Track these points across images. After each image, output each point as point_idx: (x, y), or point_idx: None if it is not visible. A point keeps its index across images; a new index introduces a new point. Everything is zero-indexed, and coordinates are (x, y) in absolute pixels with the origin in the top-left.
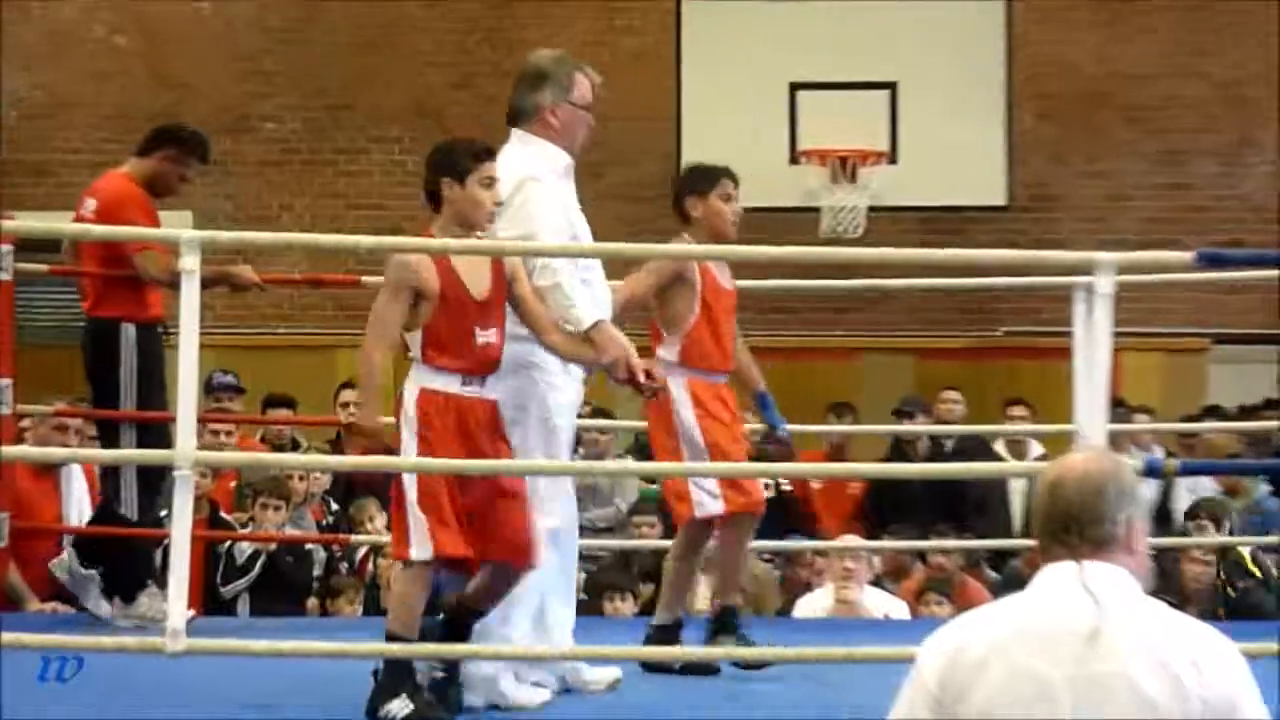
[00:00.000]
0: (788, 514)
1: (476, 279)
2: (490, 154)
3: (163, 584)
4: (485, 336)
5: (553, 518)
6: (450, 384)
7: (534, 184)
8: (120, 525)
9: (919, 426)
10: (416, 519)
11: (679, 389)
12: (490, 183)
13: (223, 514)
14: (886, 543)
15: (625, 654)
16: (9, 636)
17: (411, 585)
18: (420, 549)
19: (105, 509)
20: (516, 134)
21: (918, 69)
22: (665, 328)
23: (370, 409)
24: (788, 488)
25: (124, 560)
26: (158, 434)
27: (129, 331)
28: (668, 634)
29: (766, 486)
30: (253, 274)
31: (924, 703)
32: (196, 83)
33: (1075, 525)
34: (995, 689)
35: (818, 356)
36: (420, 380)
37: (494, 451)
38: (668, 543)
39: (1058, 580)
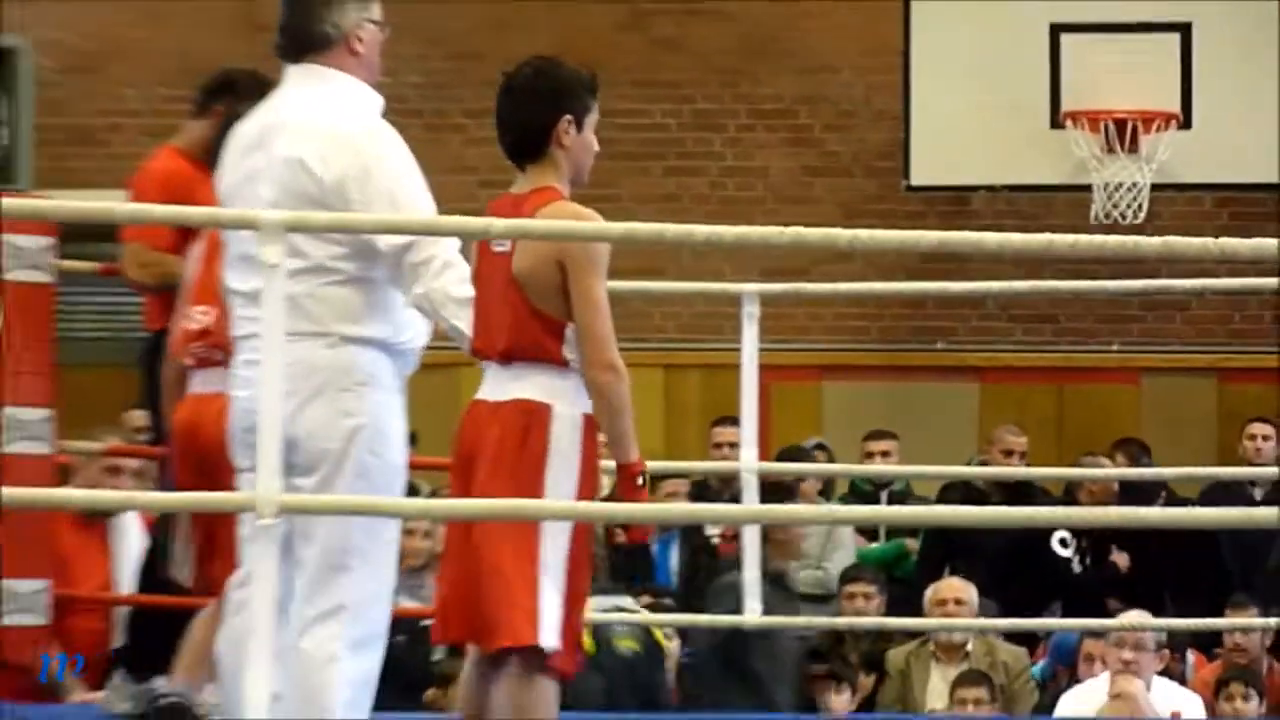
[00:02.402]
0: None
1: None
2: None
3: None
4: None
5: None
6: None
7: (390, 144)
8: (170, 593)
9: (1213, 470)
10: (549, 596)
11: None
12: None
13: None
14: (1185, 622)
15: None
16: None
17: (546, 695)
18: (549, 635)
19: (151, 572)
20: (307, 70)
21: (1218, 6)
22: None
23: (635, 444)
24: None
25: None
26: None
27: None
28: None
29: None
30: None
31: None
32: None
33: None
34: None
35: (1085, 378)
36: (578, 399)
37: None
38: (892, 621)
39: None
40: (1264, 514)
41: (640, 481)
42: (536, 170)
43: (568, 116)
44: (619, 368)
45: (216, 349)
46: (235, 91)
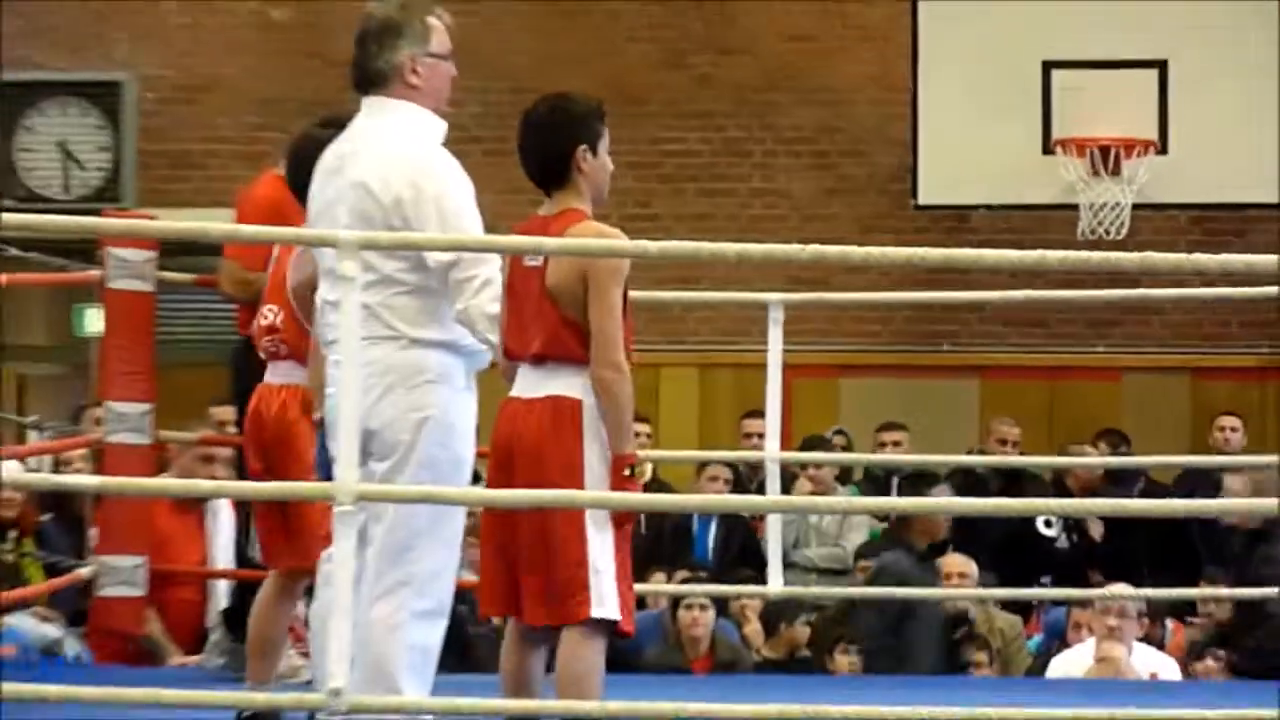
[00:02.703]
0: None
1: None
2: None
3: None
4: None
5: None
6: None
7: (441, 167)
8: (250, 568)
9: (1186, 459)
10: (607, 568)
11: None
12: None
13: None
14: (1162, 591)
15: None
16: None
17: (596, 655)
18: (607, 606)
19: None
20: (374, 102)
21: (1191, 45)
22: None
23: (631, 438)
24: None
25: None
26: None
27: None
28: None
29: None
30: None
31: None
32: None
33: None
34: None
35: (1073, 376)
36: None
37: None
38: (901, 591)
39: None
40: (1263, 504)
41: (629, 472)
42: (561, 194)
43: (583, 145)
44: (623, 368)
45: (283, 344)
46: (339, 128)
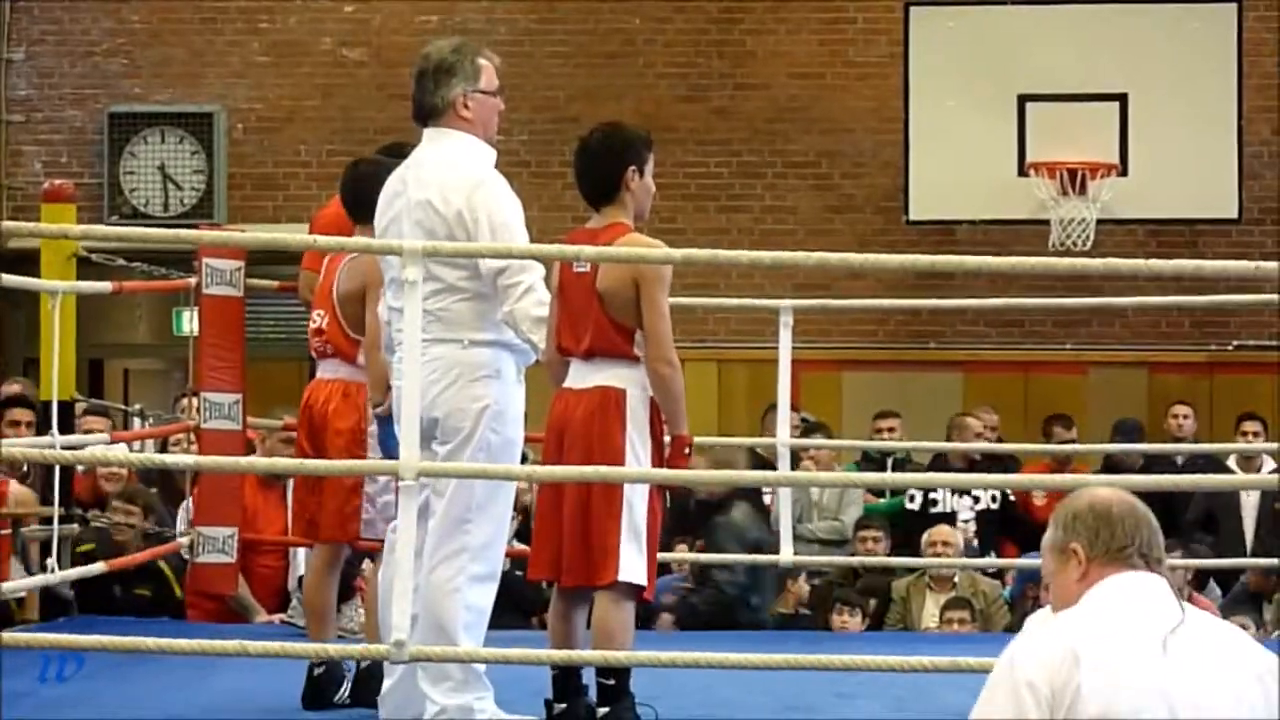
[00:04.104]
0: (1014, 530)
1: None
2: None
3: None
4: None
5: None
6: None
7: (493, 186)
8: None
9: (1145, 446)
10: (636, 539)
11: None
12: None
13: None
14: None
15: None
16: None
17: (627, 614)
18: (634, 572)
19: None
20: (432, 132)
21: (1148, 80)
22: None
23: (686, 421)
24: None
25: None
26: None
27: None
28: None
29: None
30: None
31: (1032, 705)
32: None
33: (1151, 544)
34: (1107, 694)
35: (1045, 370)
36: (645, 384)
37: None
38: (895, 560)
39: (1142, 588)
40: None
41: (687, 451)
42: (609, 209)
43: (632, 167)
44: (675, 363)
45: (328, 344)
46: (402, 155)
